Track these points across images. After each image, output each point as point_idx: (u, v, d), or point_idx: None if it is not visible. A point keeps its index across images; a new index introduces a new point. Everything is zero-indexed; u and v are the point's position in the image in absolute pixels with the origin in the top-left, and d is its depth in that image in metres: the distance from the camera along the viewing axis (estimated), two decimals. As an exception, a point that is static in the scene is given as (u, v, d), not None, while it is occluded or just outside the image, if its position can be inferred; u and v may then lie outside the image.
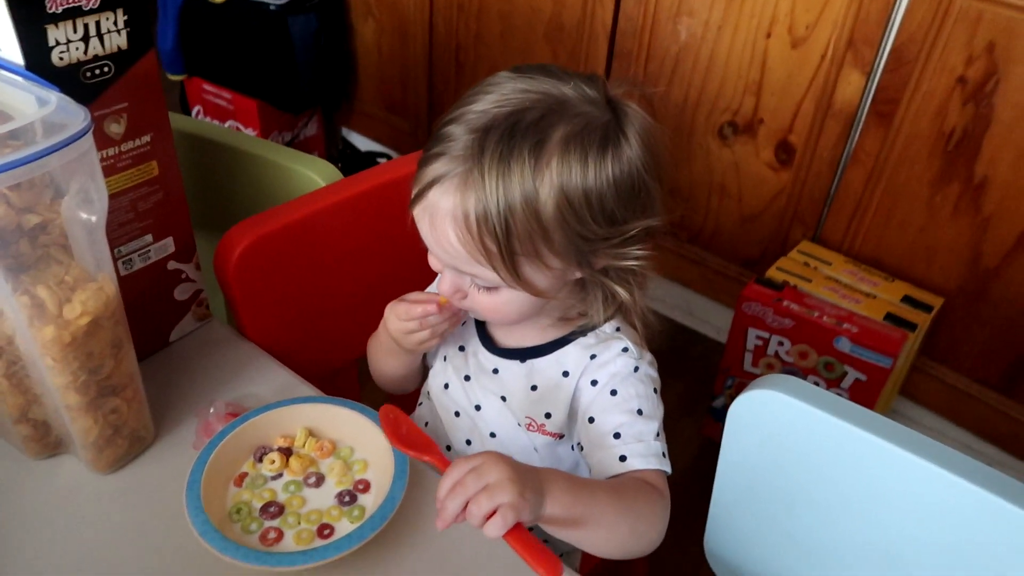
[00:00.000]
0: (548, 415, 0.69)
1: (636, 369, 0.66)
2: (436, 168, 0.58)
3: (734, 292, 1.44)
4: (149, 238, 0.73)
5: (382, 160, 2.32)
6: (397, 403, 0.94)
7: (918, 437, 0.55)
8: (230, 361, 0.78)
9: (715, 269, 1.74)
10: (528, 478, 0.53)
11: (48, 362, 0.58)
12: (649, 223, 0.62)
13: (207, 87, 2.23)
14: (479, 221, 0.56)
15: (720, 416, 1.52)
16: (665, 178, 0.63)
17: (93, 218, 0.57)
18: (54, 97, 0.54)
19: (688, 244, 1.77)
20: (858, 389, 1.35)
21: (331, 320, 0.86)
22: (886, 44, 1.33)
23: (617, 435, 0.64)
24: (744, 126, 1.56)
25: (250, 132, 2.22)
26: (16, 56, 0.58)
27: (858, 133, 1.43)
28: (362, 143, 2.39)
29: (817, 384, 1.38)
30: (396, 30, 2.08)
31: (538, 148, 0.55)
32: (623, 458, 0.63)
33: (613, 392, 0.66)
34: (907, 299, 1.40)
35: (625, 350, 0.67)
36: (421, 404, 0.80)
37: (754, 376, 1.47)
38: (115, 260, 0.70)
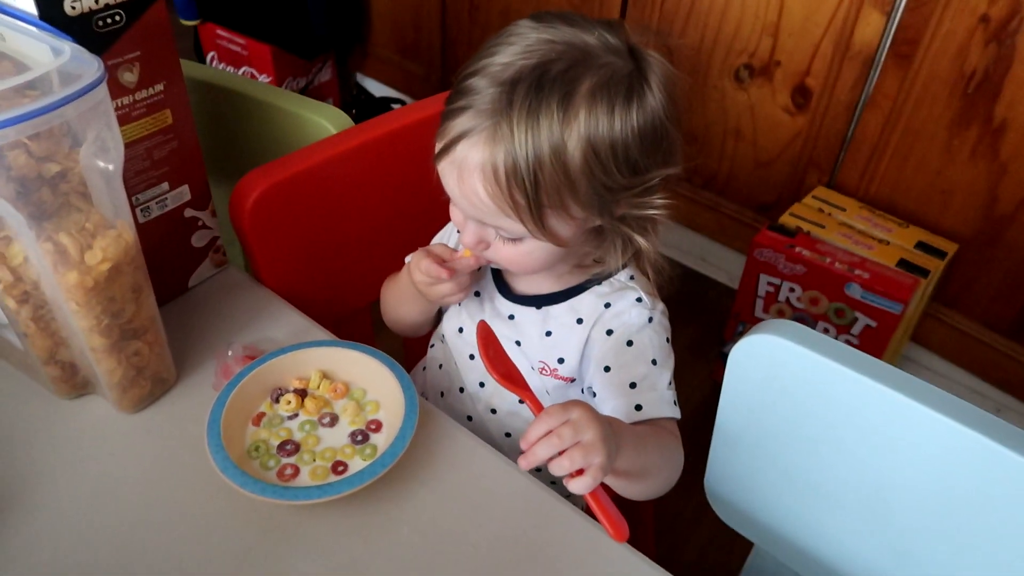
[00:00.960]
0: (561, 360, 0.71)
1: (650, 320, 0.68)
2: (463, 122, 0.58)
3: (748, 238, 1.44)
4: (166, 186, 0.74)
5: (396, 106, 2.31)
6: (409, 346, 0.97)
7: (914, 381, 0.57)
8: (247, 306, 0.80)
9: (729, 215, 1.74)
10: (610, 435, 0.55)
11: (72, 306, 0.60)
12: (670, 171, 0.62)
13: (221, 32, 2.22)
14: (508, 174, 0.57)
15: (730, 361, 1.54)
16: (683, 125, 0.64)
17: (110, 166, 0.59)
18: (67, 47, 0.55)
19: (703, 190, 1.76)
20: (868, 335, 1.36)
21: (344, 265, 0.88)
22: (908, -18, 1.30)
23: (633, 384, 0.67)
24: (760, 69, 1.54)
25: (264, 78, 2.22)
26: (30, 6, 0.59)
27: (876, 75, 1.40)
28: (376, 88, 2.38)
29: (827, 330, 1.40)
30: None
31: (566, 100, 0.56)
32: (639, 407, 0.66)
33: (629, 343, 0.68)
34: (921, 245, 1.40)
35: (639, 300, 0.68)
36: (433, 346, 0.82)
37: (765, 321, 1.48)
38: (133, 208, 0.72)
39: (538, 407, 0.56)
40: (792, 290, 1.40)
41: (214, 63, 2.32)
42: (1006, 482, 0.53)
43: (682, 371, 1.46)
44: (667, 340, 0.69)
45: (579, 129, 0.56)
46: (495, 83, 0.57)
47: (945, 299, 1.50)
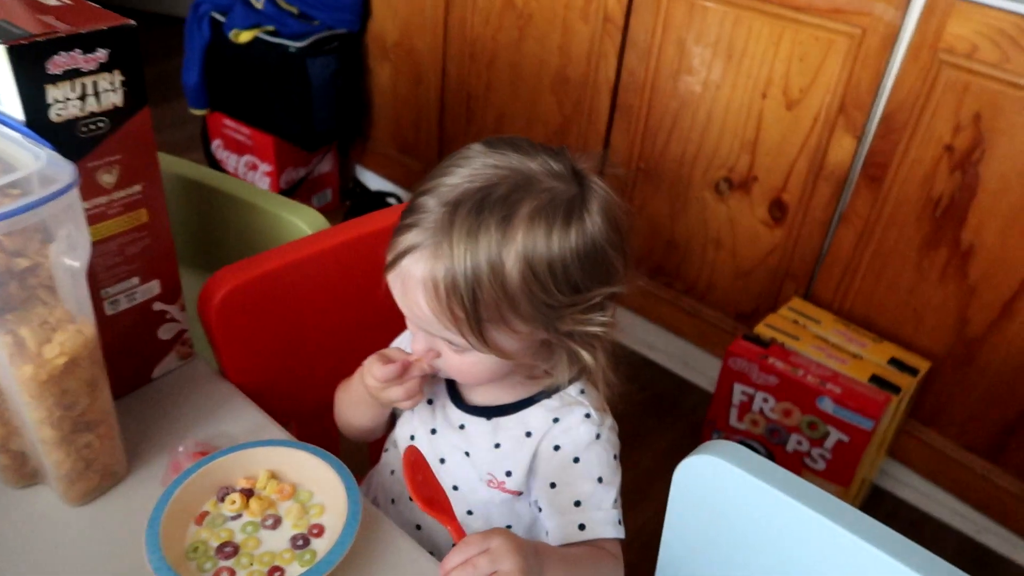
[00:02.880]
0: (508, 473, 0.71)
1: (598, 436, 0.69)
2: (409, 238, 0.61)
3: (728, 345, 1.46)
4: (136, 280, 0.77)
5: (392, 200, 2.37)
6: (375, 447, 0.97)
7: (852, 512, 0.57)
8: (208, 400, 0.81)
9: (710, 321, 1.76)
10: (533, 564, 0.56)
11: (25, 398, 0.61)
12: (611, 290, 0.65)
13: (227, 122, 2.31)
14: (448, 290, 0.60)
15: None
16: (629, 250, 0.67)
17: (76, 263, 0.61)
18: (44, 153, 0.59)
19: (684, 295, 1.79)
20: (841, 450, 1.36)
21: (309, 364, 0.90)
22: (876, 110, 1.36)
23: (577, 503, 0.67)
24: (739, 182, 1.59)
25: (266, 167, 2.29)
26: (17, 112, 0.63)
27: (849, 195, 1.45)
28: (375, 181, 2.45)
29: (800, 443, 1.39)
30: (411, 75, 2.15)
31: (505, 222, 0.59)
32: (582, 526, 0.66)
33: (576, 460, 0.68)
34: (894, 361, 1.41)
35: (588, 416, 0.69)
36: (387, 451, 0.82)
37: (739, 432, 1.48)
38: (102, 300, 0.74)
39: (459, 535, 0.57)
40: (766, 400, 1.41)
41: (219, 150, 2.40)
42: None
43: (655, 478, 1.45)
44: (615, 457, 0.69)
45: (517, 248, 0.59)
46: (442, 203, 0.60)
47: (922, 416, 1.50)
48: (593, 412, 0.69)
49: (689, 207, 1.68)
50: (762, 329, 1.46)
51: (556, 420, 0.69)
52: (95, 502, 0.69)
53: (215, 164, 2.48)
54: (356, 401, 0.77)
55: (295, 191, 2.35)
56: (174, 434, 0.76)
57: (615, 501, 0.67)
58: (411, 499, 0.59)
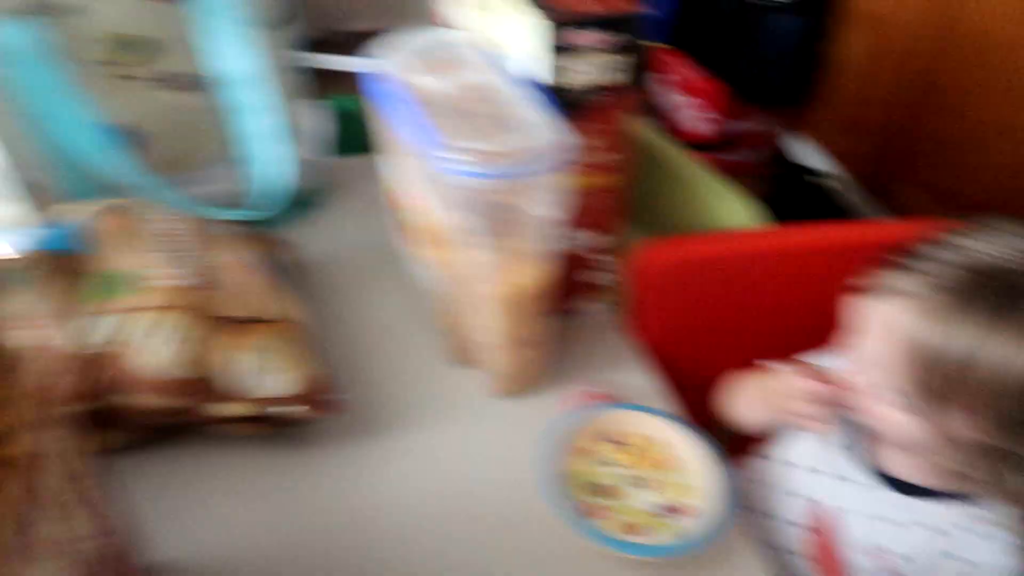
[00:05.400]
0: (907, 559, 0.67)
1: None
2: (909, 282, 0.58)
3: None
4: (587, 232, 0.87)
5: (822, 180, 2.25)
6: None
7: None
8: (612, 348, 0.90)
9: None
10: None
11: (494, 310, 0.76)
12: None
13: (683, 62, 2.37)
14: (926, 359, 0.56)
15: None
16: None
17: (551, 213, 0.72)
18: (557, 124, 0.69)
19: None
20: None
21: (718, 348, 0.94)
22: None
23: None
24: None
25: (712, 114, 2.32)
26: (544, 76, 0.74)
27: None
28: (808, 154, 2.34)
29: None
30: (881, 51, 1.98)
31: (1015, 317, 0.54)
32: None
33: None
34: None
35: (1003, 545, 0.62)
36: (756, 458, 0.84)
37: None
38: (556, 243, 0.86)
39: None
40: None
41: (659, 85, 2.49)
42: None
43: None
44: None
45: (1012, 352, 0.53)
46: (964, 267, 0.56)
47: None
48: (1014, 548, 0.62)
49: None
50: None
51: (964, 529, 0.64)
52: (515, 401, 0.83)
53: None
54: (751, 399, 0.79)
55: (727, 145, 2.36)
56: (577, 367, 0.87)
57: None
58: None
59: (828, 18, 2.12)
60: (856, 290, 0.62)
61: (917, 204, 1.99)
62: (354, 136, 0.99)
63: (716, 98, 2.29)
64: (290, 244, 0.92)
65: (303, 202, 0.97)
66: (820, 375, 0.69)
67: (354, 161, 1.04)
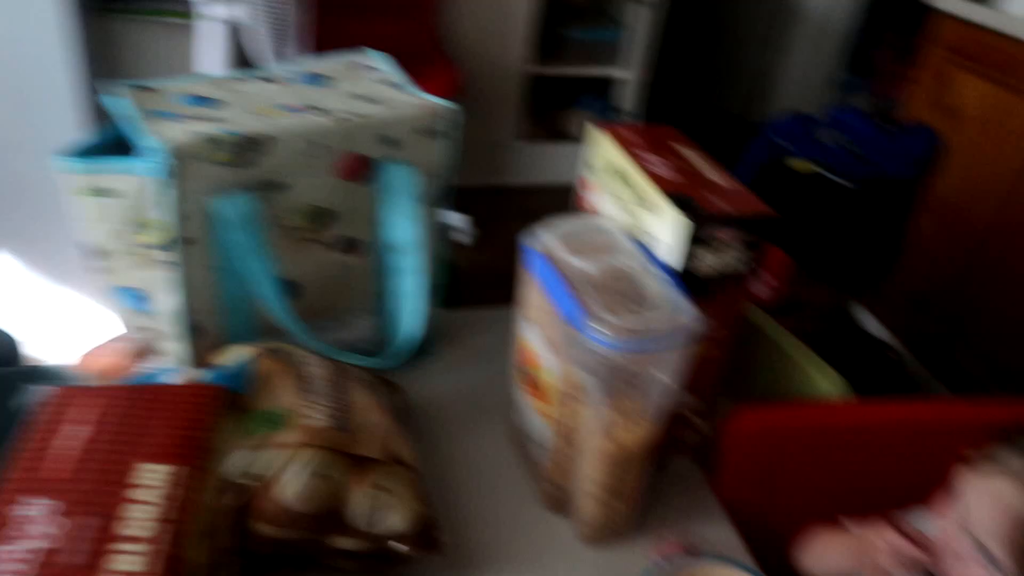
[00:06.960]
0: None
1: None
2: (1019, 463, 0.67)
3: None
4: (688, 394, 0.95)
5: (881, 347, 2.30)
6: None
7: None
8: (695, 501, 0.96)
9: None
10: None
11: (597, 464, 0.83)
12: None
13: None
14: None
15: None
16: None
17: (670, 381, 0.81)
18: (688, 307, 0.78)
19: None
20: None
21: (799, 509, 0.99)
22: None
23: None
24: None
25: (771, 280, 2.41)
26: (673, 262, 0.84)
27: None
28: (871, 324, 2.40)
29: None
30: (952, 236, 2.06)
31: None
32: None
33: None
34: None
35: None
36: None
37: None
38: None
39: None
40: None
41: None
42: None
43: None
44: None
45: None
46: None
47: None
48: None
49: None
50: None
51: None
52: (602, 548, 0.89)
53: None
54: (839, 551, 0.83)
55: (791, 310, 2.43)
56: (663, 519, 0.92)
57: None
58: None
59: (908, 205, 2.24)
60: (967, 462, 0.69)
61: (975, 379, 2.03)
62: (440, 287, 1.07)
63: (779, 269, 2.38)
64: (404, 389, 1.00)
65: (420, 351, 1.06)
66: (908, 534, 0.74)
67: (455, 314, 1.14)
